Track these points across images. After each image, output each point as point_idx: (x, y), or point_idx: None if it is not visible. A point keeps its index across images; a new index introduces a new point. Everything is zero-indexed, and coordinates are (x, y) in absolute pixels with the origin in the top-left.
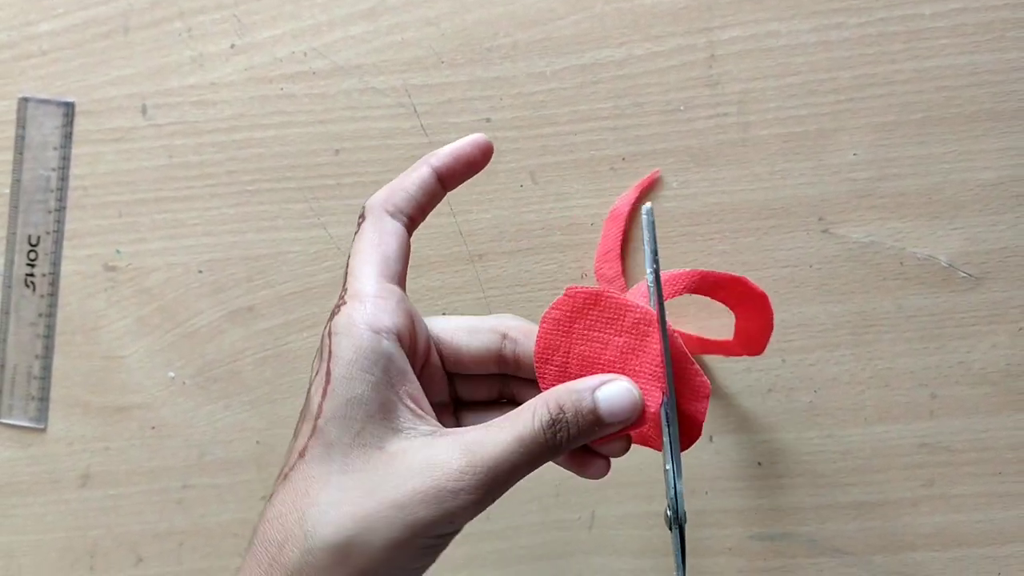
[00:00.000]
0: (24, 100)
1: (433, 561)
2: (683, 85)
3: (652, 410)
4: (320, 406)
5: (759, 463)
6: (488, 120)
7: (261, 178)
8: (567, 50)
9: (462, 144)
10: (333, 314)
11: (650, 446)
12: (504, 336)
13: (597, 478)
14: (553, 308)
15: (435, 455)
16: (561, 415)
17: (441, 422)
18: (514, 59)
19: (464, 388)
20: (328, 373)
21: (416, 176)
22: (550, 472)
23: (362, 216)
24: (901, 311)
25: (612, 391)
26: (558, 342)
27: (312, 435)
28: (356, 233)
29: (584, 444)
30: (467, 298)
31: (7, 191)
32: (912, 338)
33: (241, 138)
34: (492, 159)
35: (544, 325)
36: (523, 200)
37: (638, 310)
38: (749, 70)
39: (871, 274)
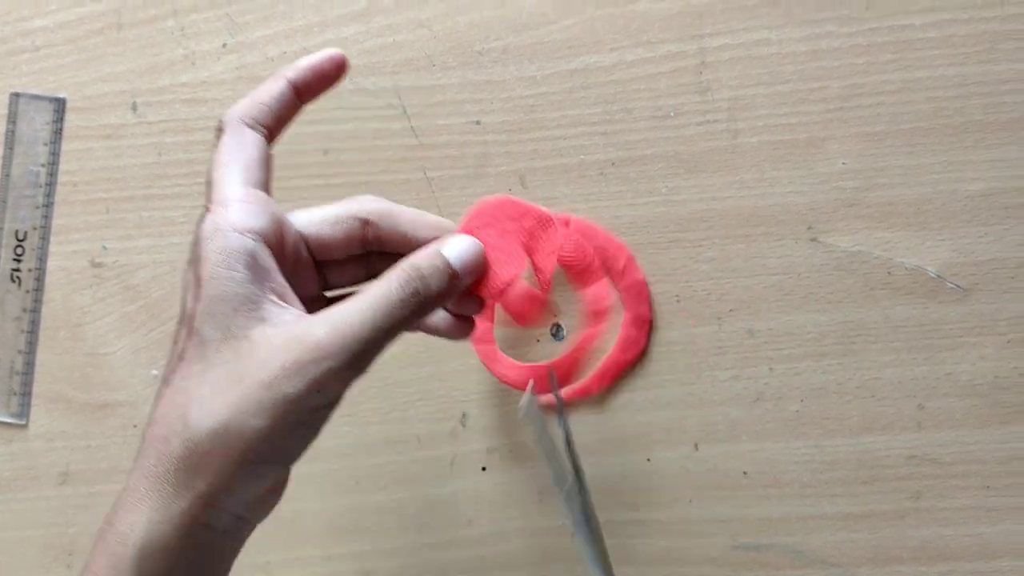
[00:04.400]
0: (15, 95)
1: (314, 435)
2: (673, 91)
3: (509, 277)
4: (193, 308)
5: (745, 472)
6: (478, 123)
7: None
8: (558, 54)
9: (318, 58)
10: (199, 222)
11: (528, 321)
12: (365, 222)
13: (462, 338)
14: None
15: (297, 332)
16: (417, 273)
17: (303, 282)
18: (505, 63)
19: (335, 275)
20: (198, 277)
21: (273, 88)
22: (532, 479)
23: (220, 129)
24: (889, 321)
25: (458, 244)
26: (477, 225)
27: (188, 337)
28: (215, 147)
29: (444, 306)
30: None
31: None
32: (900, 348)
33: None
34: (480, 164)
35: (472, 210)
36: None
37: (536, 212)
38: (739, 77)
39: (859, 284)
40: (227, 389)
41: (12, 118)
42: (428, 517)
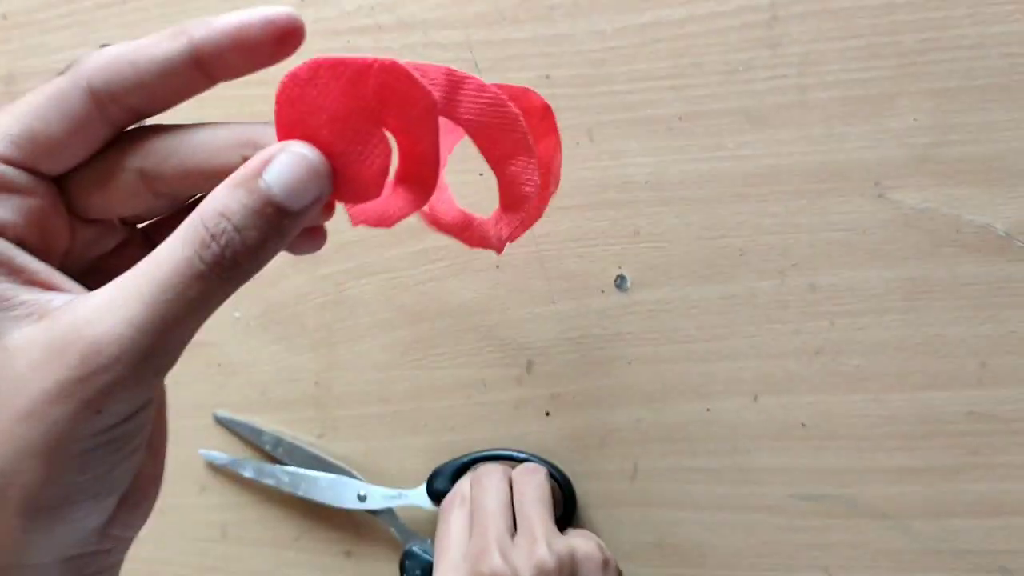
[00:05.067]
0: None
1: (132, 452)
2: (743, 46)
3: (372, 168)
4: None
5: (803, 424)
6: (547, 77)
7: None
8: (628, 8)
9: (243, 18)
10: None
11: (387, 220)
12: (143, 175)
13: (314, 251)
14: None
15: (62, 331)
16: (216, 225)
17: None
18: (575, 17)
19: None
20: None
21: (163, 49)
22: (595, 424)
23: (62, 71)
24: (955, 279)
25: (283, 166)
26: (298, 119)
27: None
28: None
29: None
30: (520, 252)
31: None
32: (964, 306)
33: None
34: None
35: (279, 98)
36: (579, 157)
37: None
38: (811, 32)
39: (925, 240)
40: None
41: None
42: None
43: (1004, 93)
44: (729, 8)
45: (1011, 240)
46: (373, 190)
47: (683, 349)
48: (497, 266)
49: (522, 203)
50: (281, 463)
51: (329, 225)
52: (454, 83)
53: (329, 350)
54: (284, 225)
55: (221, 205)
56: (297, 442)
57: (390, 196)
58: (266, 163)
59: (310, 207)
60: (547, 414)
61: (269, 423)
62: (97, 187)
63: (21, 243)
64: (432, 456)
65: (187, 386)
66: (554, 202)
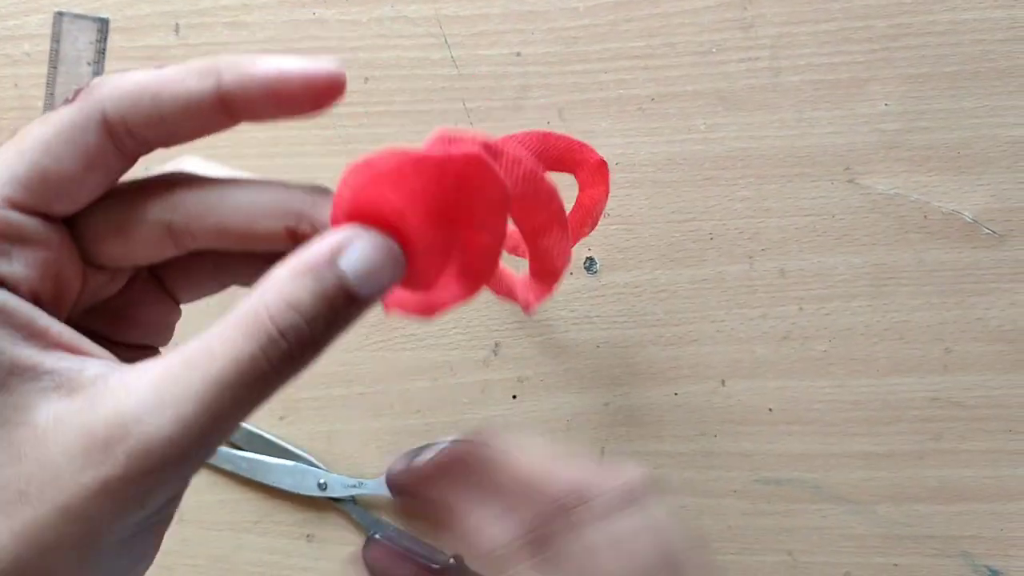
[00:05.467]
0: (59, 14)
1: (158, 538)
2: (716, 27)
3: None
4: None
5: (770, 409)
6: (518, 54)
7: None
8: None
9: (286, 70)
10: None
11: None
12: (170, 229)
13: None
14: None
15: (101, 416)
16: (292, 318)
17: (154, 317)
18: None
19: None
20: None
21: (186, 88)
22: (562, 408)
23: (71, 98)
24: (922, 265)
25: (362, 252)
26: (365, 205)
27: None
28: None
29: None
30: None
31: (40, 104)
32: (931, 292)
33: None
34: (519, 96)
35: (347, 182)
36: None
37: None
38: (784, 14)
39: (894, 226)
40: (10, 513)
41: (56, 37)
42: None
43: (974, 80)
44: None
45: (978, 227)
46: (432, 281)
47: (651, 333)
48: None
49: (554, 275)
50: (240, 449)
51: None
52: (490, 154)
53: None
54: (352, 315)
55: (289, 295)
56: (256, 429)
57: (440, 286)
58: (338, 249)
59: (381, 296)
60: (514, 397)
61: None
62: (116, 236)
63: (36, 299)
64: (396, 439)
65: None
66: None
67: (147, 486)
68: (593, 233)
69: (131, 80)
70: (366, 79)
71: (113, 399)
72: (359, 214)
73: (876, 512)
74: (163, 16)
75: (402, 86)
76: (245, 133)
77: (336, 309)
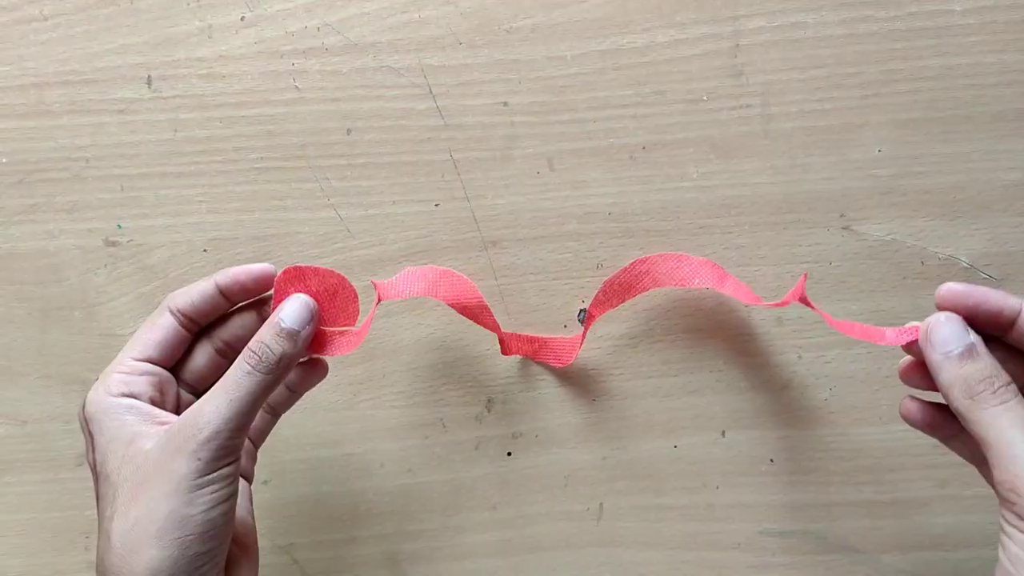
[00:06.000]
0: None
1: (226, 509)
2: (706, 74)
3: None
4: (93, 458)
5: (771, 459)
6: (505, 104)
7: (270, 156)
8: (589, 35)
9: (244, 271)
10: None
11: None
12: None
13: (318, 381)
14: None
15: (173, 429)
16: (260, 345)
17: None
18: (534, 42)
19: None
20: (90, 435)
21: (203, 286)
22: (558, 464)
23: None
24: (919, 310)
25: (289, 305)
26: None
27: (97, 485)
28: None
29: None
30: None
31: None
32: None
33: (250, 114)
34: (507, 146)
35: (278, 283)
36: (540, 187)
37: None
38: (774, 61)
39: (891, 272)
40: (132, 497)
41: None
42: (453, 500)
43: (967, 124)
44: (692, 36)
45: (975, 271)
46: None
47: (649, 384)
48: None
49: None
50: None
51: (270, 257)
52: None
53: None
54: (294, 339)
55: (259, 336)
56: None
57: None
58: (283, 307)
59: (307, 329)
60: (509, 454)
61: None
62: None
63: (152, 402)
64: (387, 500)
65: None
66: (514, 234)
67: (202, 440)
68: (587, 283)
69: (190, 288)
70: (348, 130)
71: (184, 423)
72: (283, 295)
73: (882, 561)
74: (134, 68)
75: (386, 137)
76: (225, 188)
77: (283, 336)
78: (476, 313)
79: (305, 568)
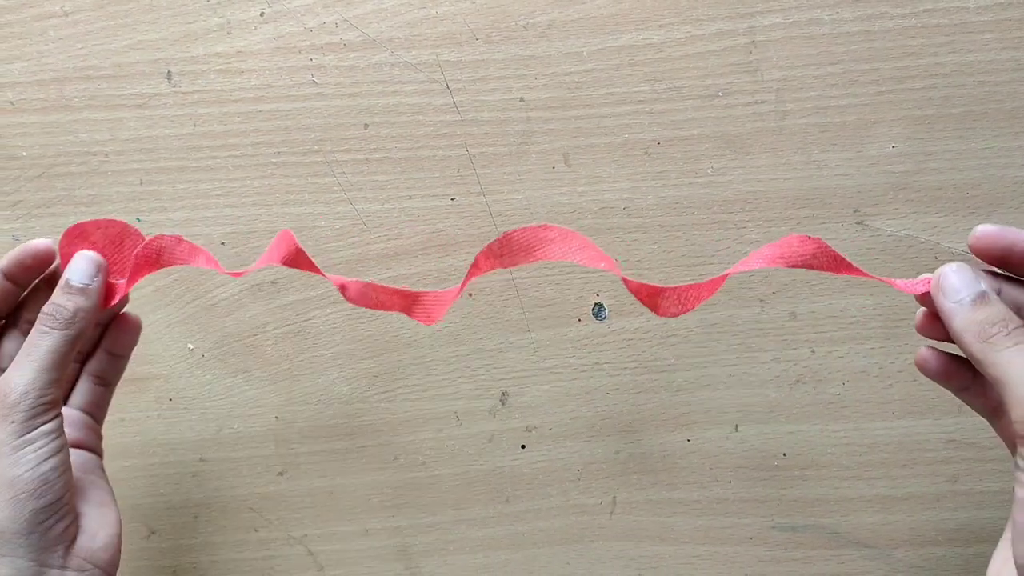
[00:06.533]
0: None
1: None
2: (722, 70)
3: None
4: None
5: (784, 454)
6: (522, 99)
7: (287, 150)
8: (605, 31)
9: (19, 250)
10: None
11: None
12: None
13: (132, 343)
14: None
15: None
16: (53, 306)
17: None
18: (550, 38)
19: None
20: None
21: None
22: (571, 458)
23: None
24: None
25: (76, 263)
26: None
27: None
28: None
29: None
30: (494, 280)
31: (24, 154)
32: None
33: (268, 109)
34: (523, 141)
35: (63, 240)
36: (555, 182)
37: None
38: (790, 57)
39: (905, 267)
40: None
41: None
42: (466, 493)
43: (981, 121)
44: (707, 32)
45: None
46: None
47: (662, 379)
48: (470, 295)
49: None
50: None
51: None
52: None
53: (290, 383)
54: (85, 294)
55: (51, 299)
56: None
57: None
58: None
59: (96, 281)
60: (522, 447)
61: (224, 461)
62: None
63: None
64: (401, 493)
65: (136, 423)
66: None
67: (11, 403)
68: (601, 278)
69: None
70: (365, 125)
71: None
72: (69, 251)
73: (894, 556)
74: (154, 63)
75: (403, 132)
76: (243, 182)
77: (73, 292)
78: (299, 261)
79: (318, 559)
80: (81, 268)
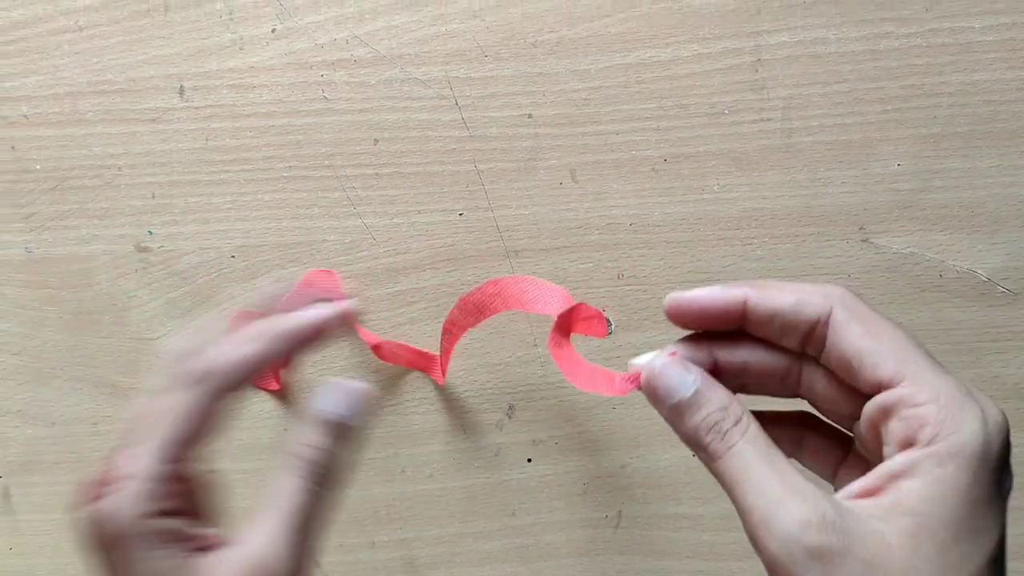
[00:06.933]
0: None
1: None
2: (728, 88)
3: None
4: None
5: None
6: (530, 116)
7: (298, 165)
8: (613, 48)
9: (319, 315)
10: (93, 499)
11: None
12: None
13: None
14: None
15: (241, 561)
16: (308, 459)
17: None
18: (559, 55)
19: None
20: (112, 565)
21: (244, 356)
22: (577, 471)
23: (176, 379)
24: (938, 323)
25: (333, 399)
26: None
27: None
28: (157, 392)
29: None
30: None
31: (38, 167)
32: (948, 350)
33: (279, 124)
34: (531, 157)
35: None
36: (562, 198)
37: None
38: (796, 76)
39: (910, 286)
40: None
41: None
42: (472, 506)
43: (986, 140)
44: (714, 51)
45: (993, 285)
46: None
47: None
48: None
49: None
50: None
51: (296, 264)
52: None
53: (297, 395)
54: (353, 435)
55: (302, 441)
56: None
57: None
58: (323, 399)
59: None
60: (529, 460)
61: (234, 472)
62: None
63: (189, 515)
64: (409, 505)
65: None
66: (537, 244)
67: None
68: (608, 293)
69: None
70: (375, 140)
71: (247, 547)
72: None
73: None
74: (167, 78)
75: (412, 147)
76: (253, 196)
77: (341, 435)
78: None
79: (326, 571)
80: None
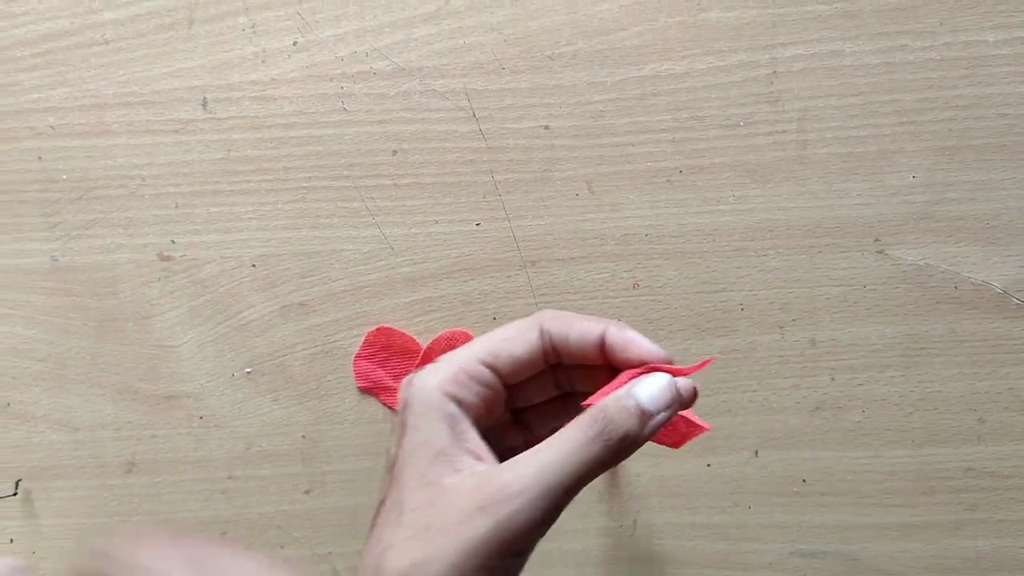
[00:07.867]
0: None
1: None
2: (743, 101)
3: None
4: (395, 455)
5: (804, 480)
6: (547, 127)
7: (318, 175)
8: (629, 61)
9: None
10: (417, 371)
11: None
12: (541, 332)
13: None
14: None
15: (485, 479)
16: (605, 417)
17: (509, 438)
18: (575, 68)
19: (522, 396)
20: (403, 423)
21: (583, 326)
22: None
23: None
24: (953, 335)
25: (651, 385)
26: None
27: (389, 484)
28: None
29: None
30: (518, 303)
31: (65, 177)
32: (963, 362)
33: (300, 135)
34: (547, 168)
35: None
36: (578, 208)
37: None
38: (811, 88)
39: (925, 297)
40: (416, 535)
41: None
42: None
43: (1001, 152)
44: (729, 63)
45: (1008, 297)
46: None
47: None
48: (494, 318)
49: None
50: None
51: (316, 273)
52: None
53: (318, 402)
54: (644, 427)
55: (608, 405)
56: None
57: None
58: (637, 383)
59: (664, 416)
60: None
61: (252, 478)
62: (513, 348)
63: (475, 420)
64: None
65: (167, 440)
66: (553, 254)
67: (509, 518)
68: (623, 303)
69: (561, 312)
70: (394, 151)
71: (495, 471)
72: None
73: None
74: (190, 91)
75: (430, 158)
76: (274, 206)
77: (633, 418)
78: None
79: None
80: (661, 394)
